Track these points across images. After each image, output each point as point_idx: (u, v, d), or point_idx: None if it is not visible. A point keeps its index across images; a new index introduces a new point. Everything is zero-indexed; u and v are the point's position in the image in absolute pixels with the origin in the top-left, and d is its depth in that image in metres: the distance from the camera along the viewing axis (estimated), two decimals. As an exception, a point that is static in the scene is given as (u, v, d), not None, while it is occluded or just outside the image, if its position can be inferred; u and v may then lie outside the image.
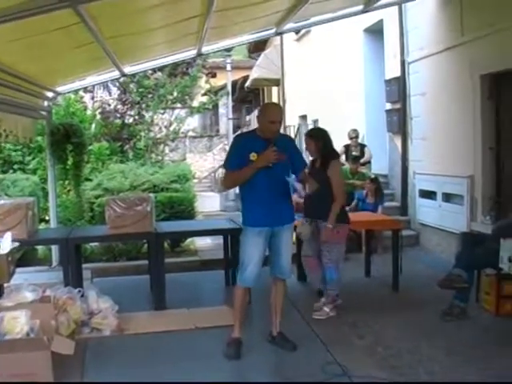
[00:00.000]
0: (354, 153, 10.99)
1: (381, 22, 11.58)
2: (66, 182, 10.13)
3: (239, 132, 20.76)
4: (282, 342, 5.51)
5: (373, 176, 10.39)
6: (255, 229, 5.32)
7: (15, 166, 12.50)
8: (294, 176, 5.49)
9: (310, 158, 6.80)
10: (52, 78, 8.26)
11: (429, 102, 9.77)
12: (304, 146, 7.11)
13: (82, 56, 7.19)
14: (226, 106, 20.00)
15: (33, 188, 10.79)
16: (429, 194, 9.79)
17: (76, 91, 12.31)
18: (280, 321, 5.59)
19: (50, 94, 8.97)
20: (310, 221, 6.43)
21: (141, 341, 5.74)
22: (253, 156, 5.23)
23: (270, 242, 5.39)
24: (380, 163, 11.62)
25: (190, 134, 18.79)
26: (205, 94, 18.22)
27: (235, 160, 5.34)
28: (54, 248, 8.77)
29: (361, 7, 8.72)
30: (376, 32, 12.13)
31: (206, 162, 25.10)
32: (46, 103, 8.99)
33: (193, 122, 19.25)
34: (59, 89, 9.08)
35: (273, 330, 5.59)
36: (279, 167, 5.22)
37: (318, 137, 6.54)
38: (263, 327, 5.75)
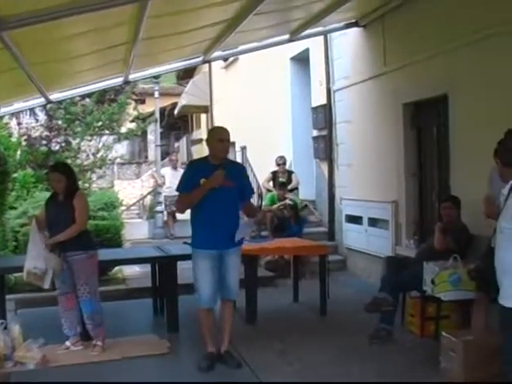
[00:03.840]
0: (281, 179, 11.12)
1: (307, 50, 11.80)
2: (-11, 211, 9.83)
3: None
4: (227, 359, 5.59)
5: (292, 202, 10.51)
6: (202, 251, 5.49)
7: None
8: None
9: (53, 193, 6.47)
10: (-26, 104, 8.08)
11: (354, 130, 9.99)
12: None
13: (4, 82, 7.05)
14: (154, 133, 19.87)
15: (-46, 217, 10.43)
16: (355, 219, 9.96)
17: (0, 117, 12.03)
18: (228, 340, 5.69)
19: (-28, 121, 8.76)
20: (59, 253, 6.05)
21: (66, 373, 5.59)
22: (203, 181, 5.42)
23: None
24: (307, 189, 11.77)
25: (118, 160, 18.59)
26: (133, 121, 18.09)
27: (186, 184, 5.55)
28: (-24, 279, 8.48)
29: (287, 36, 8.92)
30: (302, 60, 12.35)
31: (134, 188, 24.81)
32: (-32, 130, 8.77)
33: (121, 149, 19.06)
34: (-18, 115, 8.89)
35: (221, 348, 5.66)
36: (226, 192, 5.39)
37: (69, 172, 6.32)
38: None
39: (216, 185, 5.37)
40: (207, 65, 17.49)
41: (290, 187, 11.00)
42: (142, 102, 22.81)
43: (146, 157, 29.33)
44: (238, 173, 5.73)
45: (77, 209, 6.15)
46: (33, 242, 6.08)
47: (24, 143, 14.20)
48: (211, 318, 5.68)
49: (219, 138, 5.53)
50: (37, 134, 14.51)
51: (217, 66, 17.73)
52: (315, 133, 11.56)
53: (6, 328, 5.94)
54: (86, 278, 6.12)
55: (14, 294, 8.24)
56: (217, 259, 5.49)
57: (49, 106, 12.31)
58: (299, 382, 5.29)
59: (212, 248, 5.46)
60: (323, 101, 11.02)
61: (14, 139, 13.86)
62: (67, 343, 6.23)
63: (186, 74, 21.38)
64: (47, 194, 11.32)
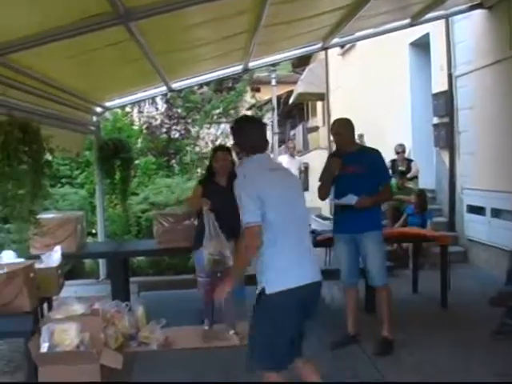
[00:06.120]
0: (400, 168, 10.90)
1: (427, 35, 11.48)
2: (113, 197, 10.21)
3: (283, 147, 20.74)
4: (378, 343, 5.70)
5: (417, 190, 10.22)
6: (337, 235, 5.76)
7: (63, 180, 12.51)
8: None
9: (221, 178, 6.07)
10: (101, 93, 8.37)
11: (477, 116, 9.63)
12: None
13: (130, 71, 7.29)
14: (270, 121, 20.04)
15: (81, 202, 10.91)
16: (477, 210, 9.62)
17: (123, 106, 12.45)
18: (386, 327, 5.75)
19: (98, 109, 9.09)
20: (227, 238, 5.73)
21: (188, 356, 5.72)
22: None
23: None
24: (427, 178, 11.48)
25: (236, 148, 18.88)
26: (250, 109, 18.27)
27: (322, 174, 5.86)
28: (102, 261, 8.84)
29: (408, 21, 8.70)
30: (422, 45, 12.03)
31: (251, 175, 25.08)
32: (94, 118, 9.11)
33: (237, 137, 19.29)
34: (108, 104, 9.20)
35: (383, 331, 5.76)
36: (353, 177, 5.52)
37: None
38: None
39: (331, 172, 5.63)
40: (323, 52, 17.39)
41: (409, 176, 10.77)
42: (257, 90, 23.03)
43: (262, 144, 29.54)
44: (368, 159, 5.65)
45: None
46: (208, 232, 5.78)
47: (145, 131, 14.67)
48: (352, 299, 5.86)
49: (332, 132, 5.79)
50: (157, 122, 14.94)
51: (333, 52, 17.57)
52: (436, 120, 11.24)
53: (130, 309, 6.16)
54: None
55: (137, 277, 8.54)
56: (351, 243, 5.63)
57: (169, 94, 12.63)
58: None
59: (344, 232, 5.65)
60: (444, 87, 10.69)
61: (135, 127, 14.35)
62: (205, 327, 6.25)
63: (301, 62, 21.33)
64: (167, 181, 11.72)
